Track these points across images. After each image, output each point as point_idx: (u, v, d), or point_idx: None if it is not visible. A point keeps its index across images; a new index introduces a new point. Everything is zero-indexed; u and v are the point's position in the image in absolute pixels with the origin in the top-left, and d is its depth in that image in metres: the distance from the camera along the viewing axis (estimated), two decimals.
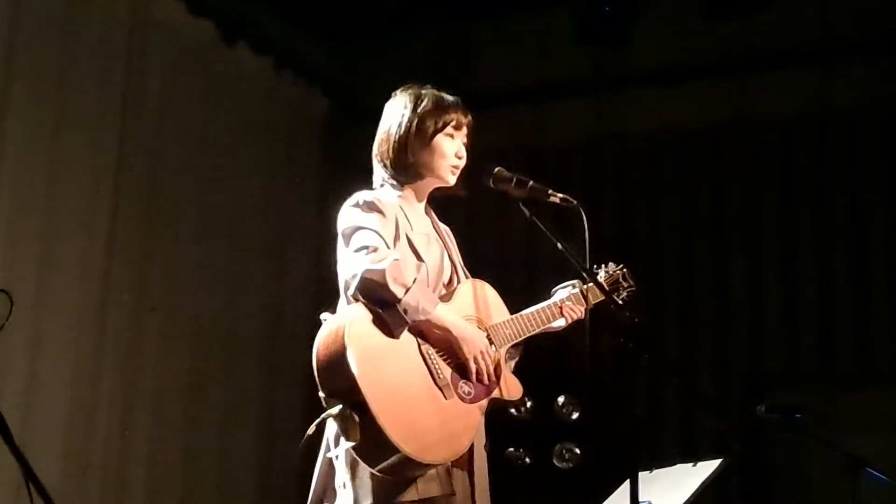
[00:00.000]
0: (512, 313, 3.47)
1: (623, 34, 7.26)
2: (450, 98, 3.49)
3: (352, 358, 3.06)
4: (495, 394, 3.32)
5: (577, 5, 7.30)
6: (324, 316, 3.27)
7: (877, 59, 6.80)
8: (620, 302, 3.63)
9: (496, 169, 3.45)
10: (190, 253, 6.50)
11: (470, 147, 3.49)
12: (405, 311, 3.13)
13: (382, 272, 3.11)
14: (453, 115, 3.45)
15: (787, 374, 6.86)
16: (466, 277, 3.50)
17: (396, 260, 3.17)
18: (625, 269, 3.74)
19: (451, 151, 3.44)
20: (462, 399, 3.23)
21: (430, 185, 3.49)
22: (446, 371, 3.22)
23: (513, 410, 6.62)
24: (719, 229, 7.14)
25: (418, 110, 3.42)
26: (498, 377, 3.33)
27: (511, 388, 3.39)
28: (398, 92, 3.53)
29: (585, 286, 3.52)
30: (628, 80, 7.34)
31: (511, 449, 6.56)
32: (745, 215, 7.10)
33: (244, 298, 6.88)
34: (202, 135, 6.66)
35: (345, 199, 3.42)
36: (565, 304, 3.50)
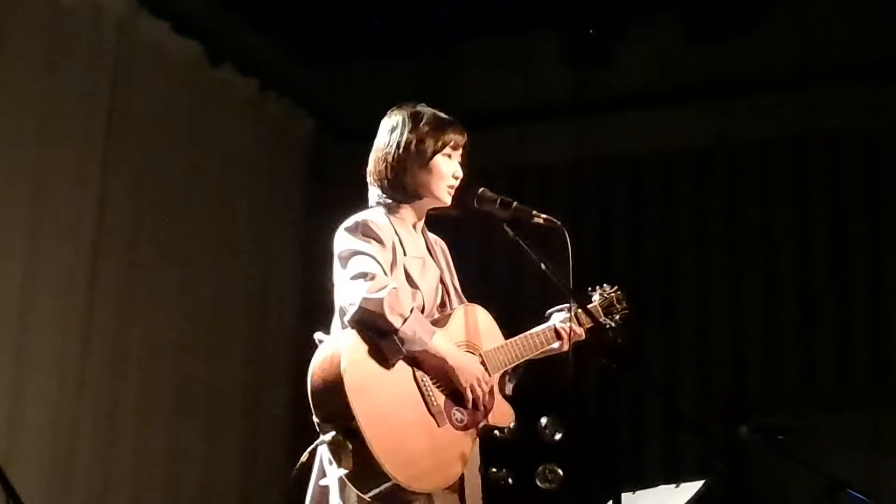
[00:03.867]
0: (504, 336, 3.46)
1: (607, 56, 7.30)
2: (447, 118, 3.47)
3: (347, 384, 3.05)
4: (487, 420, 3.32)
5: (561, 27, 7.34)
6: (318, 336, 3.26)
7: (857, 84, 6.85)
8: (612, 324, 3.63)
9: (480, 189, 3.44)
10: (175, 269, 6.49)
11: (465, 166, 3.48)
12: (402, 342, 3.12)
13: (380, 302, 3.09)
14: (452, 136, 3.42)
15: (769, 395, 6.88)
16: (460, 298, 3.49)
17: (395, 289, 3.15)
18: (619, 291, 3.73)
19: (448, 172, 3.42)
20: (455, 426, 3.23)
21: (427, 204, 3.46)
22: (440, 398, 3.22)
23: (496, 431, 6.63)
24: (702, 252, 7.17)
25: (417, 130, 3.39)
26: (490, 404, 3.32)
27: (503, 414, 3.38)
28: (394, 110, 3.49)
29: (578, 309, 3.50)
30: (612, 102, 7.38)
31: (494, 470, 6.55)
32: (727, 238, 7.14)
33: (228, 315, 6.87)
34: (187, 154, 6.66)
35: (329, 218, 3.41)
36: (562, 326, 3.48)
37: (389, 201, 3.42)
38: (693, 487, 4.03)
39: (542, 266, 3.26)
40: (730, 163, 7.22)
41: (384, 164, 3.41)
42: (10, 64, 5.57)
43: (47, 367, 5.65)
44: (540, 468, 6.54)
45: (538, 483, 6.55)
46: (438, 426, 3.19)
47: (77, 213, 5.92)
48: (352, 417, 3.03)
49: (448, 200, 3.45)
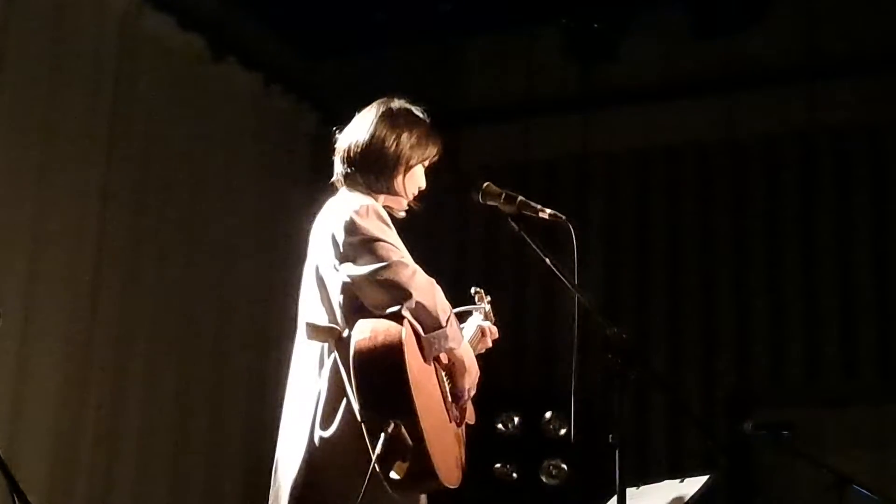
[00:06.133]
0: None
1: (611, 51, 7.29)
2: (434, 130, 3.49)
3: (409, 376, 2.97)
4: (467, 420, 3.36)
5: (565, 22, 7.32)
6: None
7: (863, 77, 6.84)
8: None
9: (485, 184, 3.43)
10: (178, 266, 6.48)
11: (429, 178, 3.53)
12: (445, 339, 3.11)
13: (433, 297, 3.09)
14: (435, 151, 3.48)
15: (774, 390, 6.87)
16: None
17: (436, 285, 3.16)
18: (481, 290, 3.74)
19: (421, 181, 3.48)
20: (455, 423, 3.26)
21: (392, 202, 3.46)
22: (448, 396, 3.24)
23: (500, 426, 6.64)
24: (707, 246, 7.16)
25: (413, 134, 3.41)
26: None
27: (471, 414, 3.42)
28: (395, 101, 3.51)
29: (487, 309, 3.60)
30: (616, 96, 7.37)
31: (498, 465, 6.56)
32: (732, 232, 7.13)
33: (232, 314, 6.86)
34: (191, 149, 6.65)
35: None
36: (486, 325, 3.55)
37: (369, 190, 3.42)
38: (697, 482, 4.02)
39: (547, 261, 3.26)
40: (735, 157, 7.21)
41: (377, 151, 3.41)
42: (13, 59, 5.55)
43: (50, 364, 5.64)
44: (544, 463, 6.55)
45: (543, 478, 6.56)
46: (450, 422, 3.22)
47: (81, 208, 5.90)
48: (412, 411, 2.93)
49: (405, 206, 3.48)
